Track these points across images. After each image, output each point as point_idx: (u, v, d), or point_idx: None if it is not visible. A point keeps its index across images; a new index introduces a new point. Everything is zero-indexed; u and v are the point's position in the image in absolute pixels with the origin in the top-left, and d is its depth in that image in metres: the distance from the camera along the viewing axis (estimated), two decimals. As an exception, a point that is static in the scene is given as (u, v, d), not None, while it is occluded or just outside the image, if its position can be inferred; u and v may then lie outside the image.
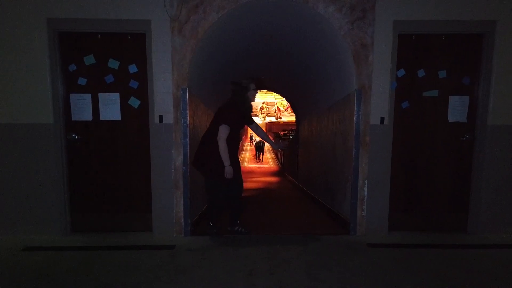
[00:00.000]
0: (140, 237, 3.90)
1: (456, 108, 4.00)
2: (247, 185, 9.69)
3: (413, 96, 4.01)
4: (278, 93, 10.11)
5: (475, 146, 4.03)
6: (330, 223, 4.73)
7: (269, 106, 31.96)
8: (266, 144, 16.53)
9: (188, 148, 3.90)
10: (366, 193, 3.98)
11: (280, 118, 29.85)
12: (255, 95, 3.91)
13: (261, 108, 32.50)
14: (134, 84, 3.89)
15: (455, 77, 3.97)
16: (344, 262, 3.22)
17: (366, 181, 3.96)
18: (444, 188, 4.14)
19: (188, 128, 3.89)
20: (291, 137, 15.37)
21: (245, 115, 3.86)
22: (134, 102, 3.92)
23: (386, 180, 3.97)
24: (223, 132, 3.65)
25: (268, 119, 30.42)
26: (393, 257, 3.37)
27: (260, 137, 4.29)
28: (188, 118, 3.89)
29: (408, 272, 3.01)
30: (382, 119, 3.90)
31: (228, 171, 3.66)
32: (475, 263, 3.23)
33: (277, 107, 29.32)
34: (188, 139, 3.90)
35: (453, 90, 4.00)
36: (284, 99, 10.87)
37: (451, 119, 4.01)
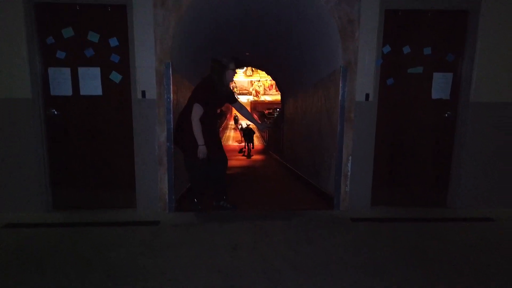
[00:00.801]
0: (124, 213, 3.87)
1: (440, 85, 4.02)
2: (231, 163, 9.68)
3: (398, 73, 4.02)
4: (263, 71, 10.02)
5: (457, 123, 4.08)
6: (315, 199, 4.79)
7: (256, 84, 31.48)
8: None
9: (172, 124, 3.84)
10: (350, 169, 4.02)
11: (258, 97, 29.39)
12: (234, 75, 3.83)
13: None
14: (115, 58, 3.78)
15: (440, 54, 3.98)
16: (327, 236, 3.27)
17: (350, 157, 3.99)
18: (426, 164, 4.21)
19: (171, 104, 3.83)
20: (276, 115, 15.35)
21: (224, 94, 3.80)
22: (116, 77, 3.82)
23: (370, 156, 4.01)
24: (196, 111, 3.59)
25: (251, 98, 30.02)
26: (375, 230, 3.45)
27: (245, 117, 4.26)
28: (171, 94, 3.81)
29: (390, 244, 3.09)
30: (367, 95, 3.90)
31: (201, 150, 3.63)
32: (454, 235, 3.33)
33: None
34: (172, 115, 3.83)
35: (437, 67, 4.01)
36: (269, 77, 10.76)
37: (434, 96, 4.05)
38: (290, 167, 7.63)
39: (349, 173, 4.03)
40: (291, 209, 4.18)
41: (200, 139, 3.61)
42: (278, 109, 14.24)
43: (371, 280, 2.45)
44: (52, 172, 3.95)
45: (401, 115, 4.11)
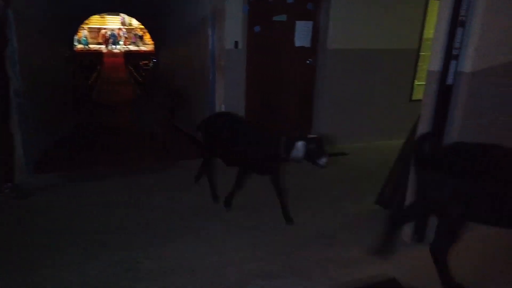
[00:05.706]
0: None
1: (302, 33, 4.27)
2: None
3: (264, 21, 4.11)
4: (135, 18, 9.30)
5: (317, 69, 4.44)
6: (194, 149, 4.81)
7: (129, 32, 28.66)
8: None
9: (19, 76, 3.30)
10: (223, 117, 4.08)
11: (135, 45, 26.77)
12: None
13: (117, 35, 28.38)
14: None
15: (301, 2, 4.18)
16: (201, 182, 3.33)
17: (223, 105, 4.06)
18: (291, 109, 4.54)
19: (17, 55, 3.27)
20: (151, 65, 14.37)
21: None
22: None
23: (241, 103, 4.13)
24: None
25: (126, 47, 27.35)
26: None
27: None
28: (15, 42, 3.25)
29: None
30: (236, 43, 3.93)
31: None
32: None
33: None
34: (18, 67, 3.29)
35: (300, 15, 4.22)
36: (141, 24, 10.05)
37: (297, 43, 4.29)
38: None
39: (222, 121, 4.10)
40: (173, 159, 4.13)
41: None
42: (154, 60, 13.40)
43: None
44: None
45: (269, 63, 4.28)
